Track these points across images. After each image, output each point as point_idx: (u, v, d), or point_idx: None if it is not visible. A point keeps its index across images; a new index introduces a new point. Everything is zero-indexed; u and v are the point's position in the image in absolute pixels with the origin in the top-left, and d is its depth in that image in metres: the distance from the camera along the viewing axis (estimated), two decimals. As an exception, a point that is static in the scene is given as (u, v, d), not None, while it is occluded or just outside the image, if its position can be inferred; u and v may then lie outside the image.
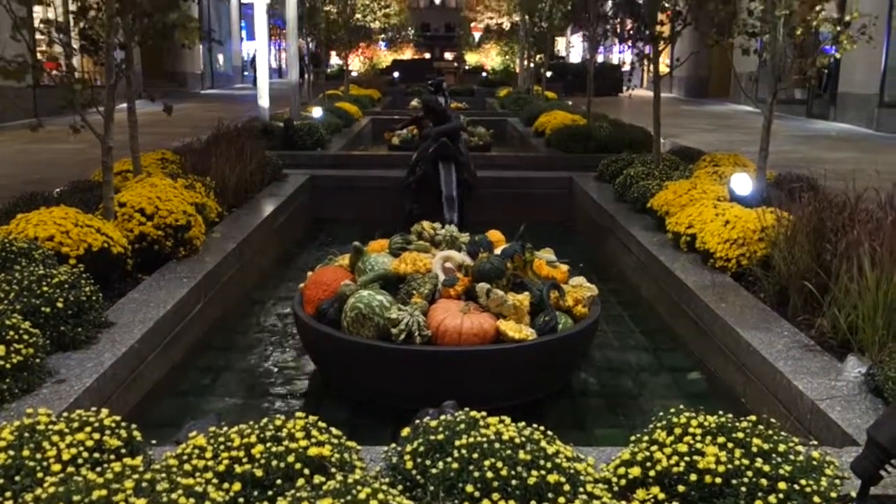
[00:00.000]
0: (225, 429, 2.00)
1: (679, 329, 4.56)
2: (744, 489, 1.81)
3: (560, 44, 38.64)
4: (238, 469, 1.83)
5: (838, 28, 5.14)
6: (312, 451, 1.88)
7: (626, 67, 29.73)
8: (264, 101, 11.05)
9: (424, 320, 3.50)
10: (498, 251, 4.12)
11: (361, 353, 3.55)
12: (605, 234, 6.68)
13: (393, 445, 2.11)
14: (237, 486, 1.77)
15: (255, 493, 1.80)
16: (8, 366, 2.72)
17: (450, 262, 4.03)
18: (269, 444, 1.90)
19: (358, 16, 19.14)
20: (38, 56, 4.75)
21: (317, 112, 11.99)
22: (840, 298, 3.44)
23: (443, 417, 2.08)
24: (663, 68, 7.69)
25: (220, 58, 32.82)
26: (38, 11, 5.35)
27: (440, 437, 1.96)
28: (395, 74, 31.41)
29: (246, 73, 34.30)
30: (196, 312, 4.32)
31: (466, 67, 40.10)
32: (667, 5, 7.30)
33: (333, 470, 1.87)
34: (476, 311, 3.58)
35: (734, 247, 4.49)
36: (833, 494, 1.83)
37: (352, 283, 3.85)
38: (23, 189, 5.70)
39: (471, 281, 3.80)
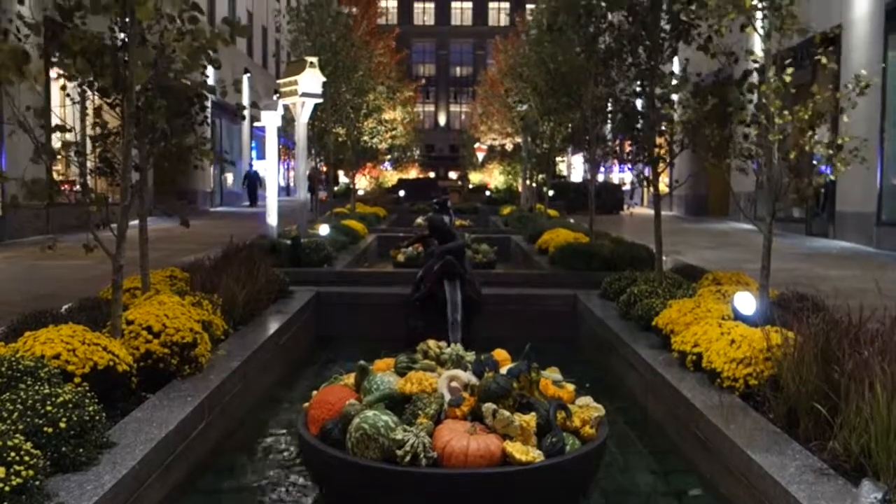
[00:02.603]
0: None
1: (688, 450, 4.48)
2: None
3: (562, 163, 39.60)
4: None
5: (831, 151, 5.30)
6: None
7: (627, 187, 30.50)
8: (273, 218, 11.28)
9: (430, 441, 3.45)
10: (504, 370, 4.11)
11: (366, 475, 3.49)
12: (611, 353, 6.66)
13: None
14: None
15: None
16: (7, 489, 2.67)
17: (455, 381, 4.01)
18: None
19: (365, 138, 19.77)
20: (56, 176, 4.92)
21: (324, 229, 12.20)
22: (851, 420, 3.40)
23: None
24: (663, 188, 7.87)
25: (230, 177, 33.72)
26: (57, 134, 5.57)
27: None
28: (401, 193, 32.13)
29: (260, 191, 35.21)
30: (199, 431, 4.27)
31: (470, 186, 41.00)
32: (664, 129, 7.55)
33: None
34: (482, 432, 3.54)
35: (741, 366, 4.47)
36: None
37: (357, 402, 3.83)
38: (33, 305, 5.75)
39: (477, 401, 3.77)
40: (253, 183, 33.30)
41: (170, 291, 5.75)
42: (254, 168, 34.80)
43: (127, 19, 4.69)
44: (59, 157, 4.90)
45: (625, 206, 26.58)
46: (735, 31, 5.61)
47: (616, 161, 10.44)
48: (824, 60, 5.25)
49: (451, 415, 3.72)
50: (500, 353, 4.52)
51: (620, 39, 7.67)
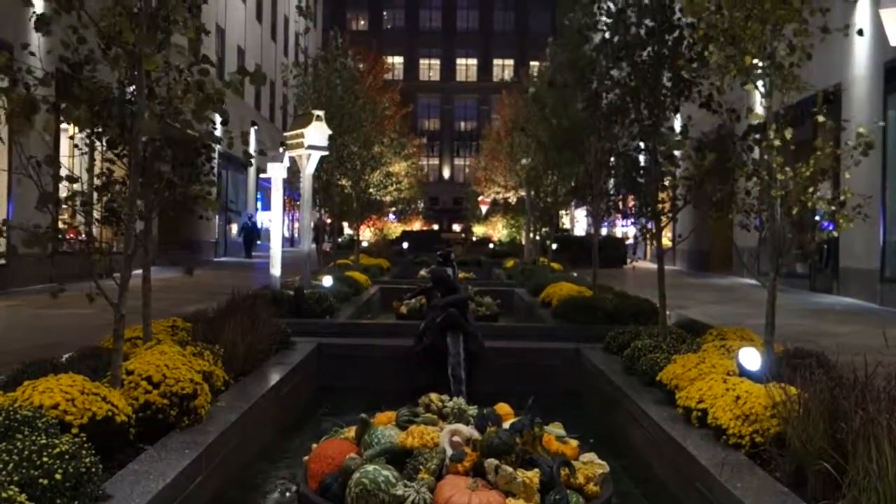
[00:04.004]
0: None
1: (694, 509, 4.39)
2: None
3: (565, 216, 39.81)
4: None
5: (833, 207, 5.32)
6: None
7: (630, 240, 30.56)
8: (276, 269, 11.29)
9: (431, 497, 3.39)
10: (506, 425, 4.06)
11: (365, 531, 3.42)
12: (615, 408, 6.59)
13: None
14: None
15: None
16: (-1, 541, 2.63)
17: (457, 436, 3.96)
18: None
19: (371, 190, 19.93)
20: (60, 225, 4.94)
21: (327, 281, 12.21)
22: (859, 480, 3.34)
23: None
24: (666, 242, 7.89)
25: (235, 227, 33.83)
26: (65, 182, 5.61)
27: None
28: (405, 245, 32.23)
29: (259, 242, 35.12)
30: (197, 484, 4.20)
31: (474, 239, 41.15)
32: (666, 184, 7.59)
33: None
34: (484, 489, 3.48)
35: (747, 423, 4.41)
36: None
37: (357, 456, 3.78)
38: (34, 354, 5.73)
39: (479, 456, 3.72)
40: (250, 235, 32.89)
41: (171, 341, 5.73)
42: (252, 220, 34.37)
43: (135, 72, 4.77)
44: (65, 206, 4.93)
45: (628, 260, 26.59)
46: (737, 88, 5.69)
47: (619, 215, 10.46)
48: (821, 119, 5.30)
49: (452, 470, 3.67)
50: (502, 408, 4.48)
51: (623, 96, 7.77)
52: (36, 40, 4.48)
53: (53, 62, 4.78)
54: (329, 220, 18.74)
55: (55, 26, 4.49)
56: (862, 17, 14.52)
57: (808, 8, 5.22)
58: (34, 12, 4.48)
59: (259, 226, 37.22)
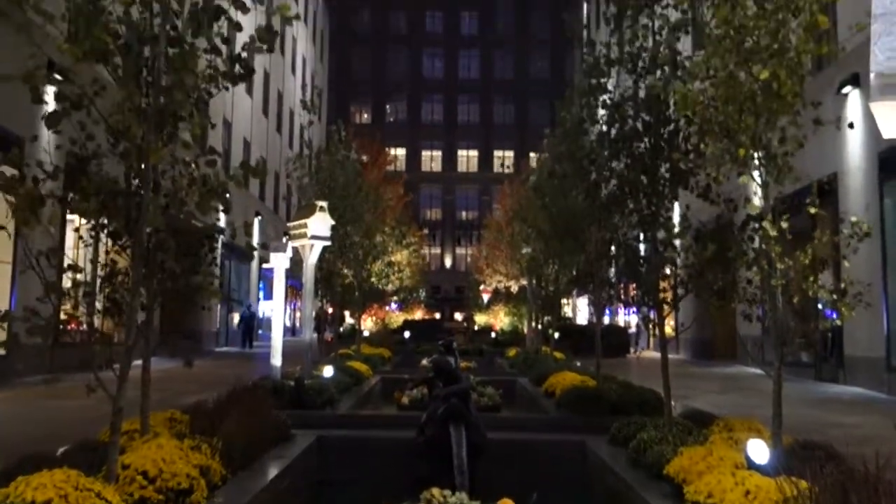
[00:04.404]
0: None
1: None
2: None
3: (567, 305, 39.75)
4: None
5: (835, 296, 5.32)
6: None
7: (633, 329, 30.44)
8: (277, 360, 11.21)
9: None
10: (510, 521, 3.95)
11: None
12: (621, 503, 6.41)
13: None
14: None
15: None
16: None
17: (459, 532, 3.85)
18: None
19: (373, 279, 19.99)
20: (62, 315, 4.94)
21: (328, 371, 12.10)
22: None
23: None
24: (669, 331, 7.86)
25: (236, 316, 33.68)
26: (68, 273, 5.64)
27: None
28: (406, 334, 32.06)
29: (260, 332, 34.95)
30: (189, 586, 4.06)
31: (476, 328, 40.99)
32: (668, 272, 7.62)
33: None
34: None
35: (757, 518, 4.29)
36: None
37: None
38: (31, 447, 5.63)
39: (482, 554, 3.61)
40: (249, 324, 32.03)
41: (169, 434, 5.64)
42: (251, 309, 33.58)
43: (142, 165, 4.87)
44: (67, 296, 4.95)
45: (631, 349, 26.42)
46: (734, 178, 5.78)
47: (621, 304, 10.46)
48: (813, 210, 5.37)
49: (454, 569, 3.55)
50: (506, 503, 4.36)
51: (622, 186, 7.89)
52: (46, 134, 4.59)
53: (62, 156, 4.89)
54: (331, 310, 18.73)
55: (65, 122, 4.61)
56: (853, 108, 14.88)
57: (800, 102, 5.35)
58: (46, 110, 4.61)
59: (261, 315, 37.11)
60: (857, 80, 14.58)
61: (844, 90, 15.04)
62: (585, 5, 50.82)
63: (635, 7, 7.92)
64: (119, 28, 4.79)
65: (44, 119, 4.48)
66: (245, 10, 4.94)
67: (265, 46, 4.92)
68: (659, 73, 7.62)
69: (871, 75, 3.37)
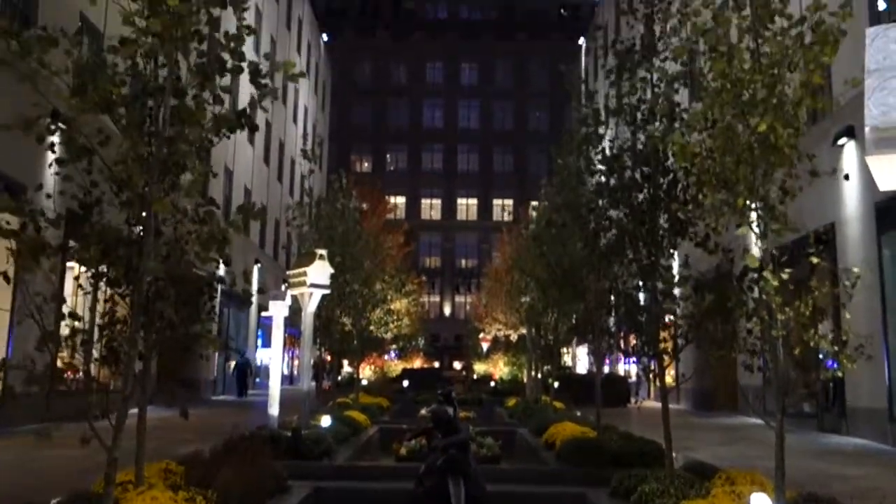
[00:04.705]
0: None
1: None
2: None
3: (566, 354, 39.55)
4: None
5: (836, 347, 5.30)
6: None
7: (633, 379, 30.23)
8: (274, 409, 11.12)
9: None
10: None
11: None
12: (623, 557, 6.30)
13: None
14: None
15: None
16: None
17: (458, 588, 3.77)
18: None
19: (372, 328, 19.93)
20: (59, 364, 4.91)
21: (325, 421, 11.99)
22: None
23: None
24: (670, 381, 7.81)
25: (232, 364, 33.35)
26: (66, 321, 5.62)
27: None
28: (405, 383, 31.82)
29: (258, 380, 34.65)
30: None
31: (475, 376, 40.72)
32: (667, 321, 7.60)
33: None
34: None
35: (762, 575, 4.21)
36: None
37: None
38: (23, 497, 5.55)
39: None
40: (243, 372, 30.77)
41: (164, 486, 5.57)
42: (245, 356, 32.29)
43: (144, 213, 4.90)
44: (65, 344, 4.92)
45: (632, 400, 26.21)
46: (732, 228, 5.81)
47: (621, 353, 10.42)
48: (815, 260, 5.39)
49: None
50: (505, 558, 4.28)
51: (621, 236, 7.92)
52: (50, 182, 4.62)
53: (64, 203, 4.92)
54: (329, 358, 18.64)
55: (70, 169, 4.66)
56: (849, 159, 15.01)
57: (797, 153, 5.41)
58: (54, 158, 4.65)
59: (259, 363, 36.80)
60: (851, 132, 14.73)
61: (840, 142, 15.18)
62: (584, 58, 51.69)
63: (634, 60, 8.06)
64: (124, 79, 4.87)
65: (50, 166, 4.52)
66: (253, 72, 5.02)
67: (270, 97, 4.98)
68: (657, 123, 7.72)
69: (867, 129, 3.42)
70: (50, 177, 4.64)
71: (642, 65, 8.04)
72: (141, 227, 4.94)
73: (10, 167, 13.73)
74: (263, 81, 5.05)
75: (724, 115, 5.46)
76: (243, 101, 5.32)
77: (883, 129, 3.20)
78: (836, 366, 5.41)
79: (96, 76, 4.55)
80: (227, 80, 5.14)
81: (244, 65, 5.09)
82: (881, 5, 14.65)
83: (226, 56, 5.03)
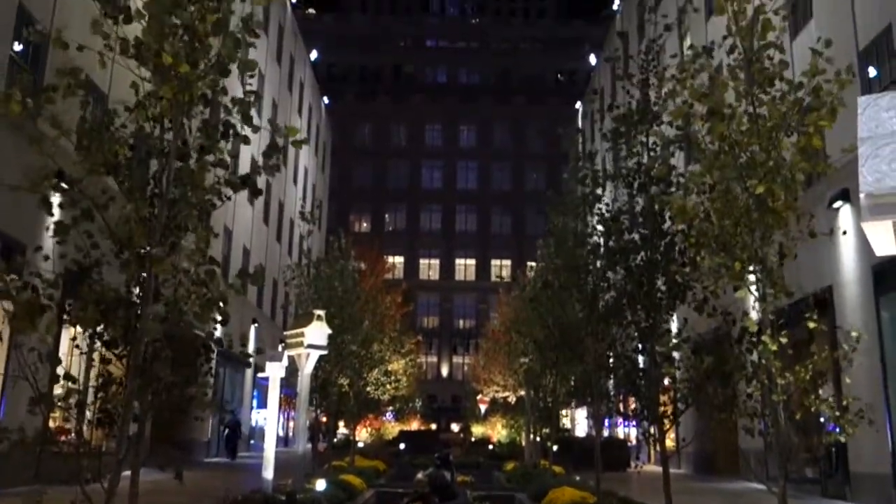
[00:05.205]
0: None
1: None
2: None
3: (565, 417, 39.06)
4: None
5: (837, 412, 5.26)
6: None
7: (633, 442, 29.79)
8: (269, 472, 10.93)
9: None
10: None
11: None
12: None
13: None
14: None
15: None
16: None
17: None
18: None
19: (369, 389, 19.74)
20: (52, 425, 4.85)
21: (320, 485, 11.77)
22: None
23: None
24: (670, 444, 7.72)
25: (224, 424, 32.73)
26: (61, 382, 5.56)
27: None
28: (402, 445, 31.35)
29: (252, 442, 34.12)
30: None
31: (473, 439, 40.16)
32: (666, 384, 7.55)
33: None
34: None
35: None
36: None
37: None
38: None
39: None
40: (233, 433, 29.14)
41: (154, 552, 5.43)
42: (235, 416, 30.45)
43: (143, 274, 4.90)
44: (58, 405, 4.87)
45: (632, 463, 25.80)
46: (730, 291, 5.82)
47: (620, 416, 10.31)
48: (812, 325, 5.39)
49: None
50: None
51: (619, 298, 7.93)
52: (49, 243, 4.64)
53: (63, 263, 4.92)
54: (325, 419, 18.41)
55: (71, 231, 4.68)
56: (845, 222, 15.10)
57: (795, 214, 5.46)
58: (54, 221, 4.68)
59: (254, 424, 36.26)
60: (847, 196, 14.86)
61: (836, 205, 15.31)
62: (580, 120, 52.45)
63: (631, 125, 8.19)
64: (129, 141, 4.93)
65: (48, 229, 4.54)
66: (255, 129, 5.09)
67: (273, 166, 5.04)
68: (654, 187, 7.80)
69: (861, 196, 3.46)
70: (48, 237, 4.64)
71: (639, 129, 8.17)
72: (140, 289, 4.94)
73: (10, 226, 13.77)
74: (271, 162, 5.11)
75: (724, 177, 5.51)
76: (244, 161, 5.38)
77: (878, 195, 3.25)
78: (837, 430, 5.36)
79: (103, 138, 4.61)
80: (229, 145, 5.21)
81: (250, 131, 5.17)
82: (871, 72, 14.97)
83: (234, 120, 5.11)
